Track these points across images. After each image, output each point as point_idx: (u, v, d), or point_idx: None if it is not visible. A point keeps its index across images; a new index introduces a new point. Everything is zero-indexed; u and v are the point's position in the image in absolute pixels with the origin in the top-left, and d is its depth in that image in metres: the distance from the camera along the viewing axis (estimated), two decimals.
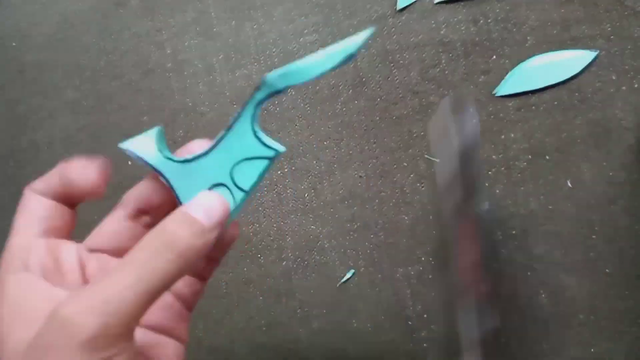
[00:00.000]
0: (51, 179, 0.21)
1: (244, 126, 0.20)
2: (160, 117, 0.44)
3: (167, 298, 0.23)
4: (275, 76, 0.20)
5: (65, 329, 0.16)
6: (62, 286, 0.19)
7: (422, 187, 0.38)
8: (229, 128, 0.21)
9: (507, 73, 0.37)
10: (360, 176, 0.40)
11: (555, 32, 0.37)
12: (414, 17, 0.39)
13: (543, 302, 0.36)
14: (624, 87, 0.36)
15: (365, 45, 0.19)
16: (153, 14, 0.45)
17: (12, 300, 0.18)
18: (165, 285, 0.18)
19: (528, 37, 0.37)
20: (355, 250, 0.40)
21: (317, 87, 0.41)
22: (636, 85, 0.36)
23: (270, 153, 0.21)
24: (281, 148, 0.21)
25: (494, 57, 0.38)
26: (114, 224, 0.22)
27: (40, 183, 0.21)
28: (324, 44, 0.41)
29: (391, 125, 0.39)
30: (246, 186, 0.21)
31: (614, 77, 0.36)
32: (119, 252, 0.22)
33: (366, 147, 0.40)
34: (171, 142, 0.43)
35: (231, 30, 0.43)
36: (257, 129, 0.21)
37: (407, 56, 0.39)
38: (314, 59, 0.19)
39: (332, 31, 0.41)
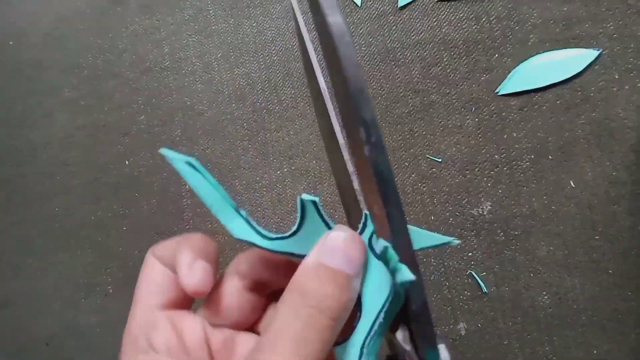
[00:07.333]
0: (171, 247, 0.20)
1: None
2: (157, 116, 0.43)
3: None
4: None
5: None
6: None
7: (424, 187, 0.38)
8: None
9: (509, 71, 0.37)
10: None
11: (557, 30, 0.37)
12: (415, 15, 0.39)
13: (545, 303, 0.35)
14: (626, 86, 0.35)
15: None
16: (151, 12, 0.45)
17: None
18: (324, 354, 0.16)
19: (530, 36, 0.37)
20: None
21: None
22: (639, 84, 0.35)
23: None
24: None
25: (496, 55, 0.37)
26: (234, 298, 0.21)
27: (162, 249, 0.20)
28: None
29: (392, 124, 0.39)
30: None
31: (616, 76, 0.36)
32: (240, 325, 0.21)
33: None
34: (169, 141, 0.43)
35: (230, 28, 0.43)
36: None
37: (408, 54, 0.39)
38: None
39: None
